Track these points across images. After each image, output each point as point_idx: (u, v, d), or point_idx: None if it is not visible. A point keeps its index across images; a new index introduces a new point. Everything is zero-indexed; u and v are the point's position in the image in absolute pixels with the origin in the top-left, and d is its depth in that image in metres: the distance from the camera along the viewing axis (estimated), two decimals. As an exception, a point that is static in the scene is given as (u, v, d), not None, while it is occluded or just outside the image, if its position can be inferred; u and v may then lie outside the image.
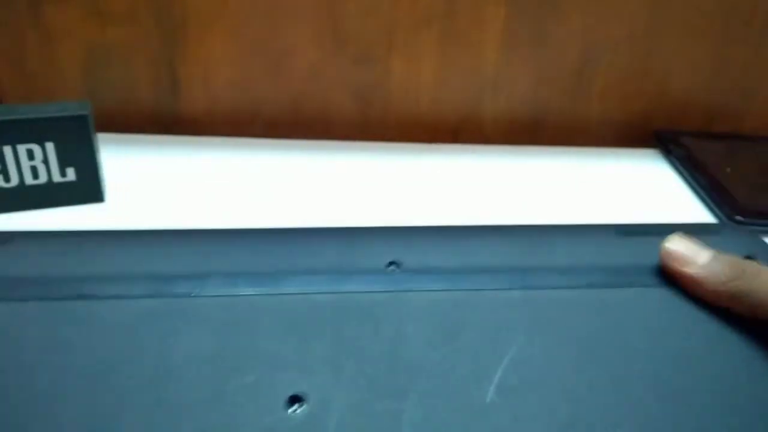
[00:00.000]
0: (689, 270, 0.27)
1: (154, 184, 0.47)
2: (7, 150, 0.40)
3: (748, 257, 0.29)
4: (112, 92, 0.54)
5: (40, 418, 0.19)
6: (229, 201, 0.45)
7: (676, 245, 0.28)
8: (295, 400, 0.20)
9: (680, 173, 0.54)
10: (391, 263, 0.27)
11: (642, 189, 0.52)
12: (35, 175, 0.41)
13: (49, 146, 0.41)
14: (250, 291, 0.24)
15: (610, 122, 0.60)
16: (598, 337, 0.24)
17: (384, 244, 0.28)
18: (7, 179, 0.41)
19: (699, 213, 0.49)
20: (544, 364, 0.23)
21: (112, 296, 0.23)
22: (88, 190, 0.43)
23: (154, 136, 0.54)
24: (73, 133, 0.41)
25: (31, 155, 0.41)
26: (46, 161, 0.41)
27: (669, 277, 0.28)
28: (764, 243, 0.33)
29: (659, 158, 0.58)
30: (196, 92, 0.55)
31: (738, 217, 0.45)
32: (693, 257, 0.28)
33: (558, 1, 0.54)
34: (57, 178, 0.42)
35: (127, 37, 0.52)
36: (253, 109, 0.56)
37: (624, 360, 0.23)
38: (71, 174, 0.42)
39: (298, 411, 0.20)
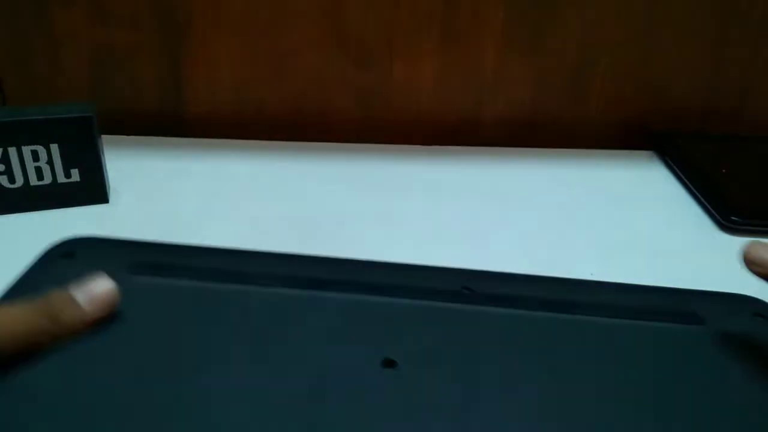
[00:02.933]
0: (763, 270, 0.29)
1: (157, 185, 0.47)
2: (12, 151, 0.40)
3: None
4: (117, 94, 0.55)
5: (210, 358, 0.27)
6: (231, 201, 0.46)
7: (751, 250, 0.30)
8: (388, 363, 0.27)
9: (677, 174, 0.55)
10: (464, 288, 0.33)
11: (639, 190, 0.53)
12: (40, 176, 0.42)
13: (54, 147, 0.41)
14: (358, 296, 0.31)
15: (608, 124, 0.60)
16: (630, 358, 0.29)
17: (458, 274, 0.34)
18: (12, 180, 0.41)
19: (695, 214, 0.49)
20: (578, 372, 0.28)
21: (260, 285, 0.31)
22: (93, 191, 0.43)
23: (158, 138, 0.55)
24: (77, 134, 0.41)
25: (35, 156, 0.41)
26: (50, 162, 0.42)
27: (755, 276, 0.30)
28: None
29: (656, 160, 0.58)
30: (199, 94, 0.56)
31: (734, 218, 0.46)
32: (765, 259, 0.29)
33: (556, 4, 0.55)
34: (61, 179, 0.42)
35: (132, 39, 0.53)
36: (255, 111, 0.57)
37: (648, 379, 0.28)
38: (76, 175, 0.42)
39: (390, 370, 0.27)
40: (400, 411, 0.25)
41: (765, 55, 0.59)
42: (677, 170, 0.55)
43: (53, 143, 0.41)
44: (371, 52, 0.55)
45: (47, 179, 0.42)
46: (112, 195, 0.45)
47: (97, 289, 0.28)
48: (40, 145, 0.41)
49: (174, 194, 0.46)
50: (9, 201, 0.41)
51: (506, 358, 0.28)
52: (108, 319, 0.28)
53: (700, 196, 0.50)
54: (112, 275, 0.30)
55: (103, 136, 0.43)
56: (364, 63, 0.56)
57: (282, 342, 0.28)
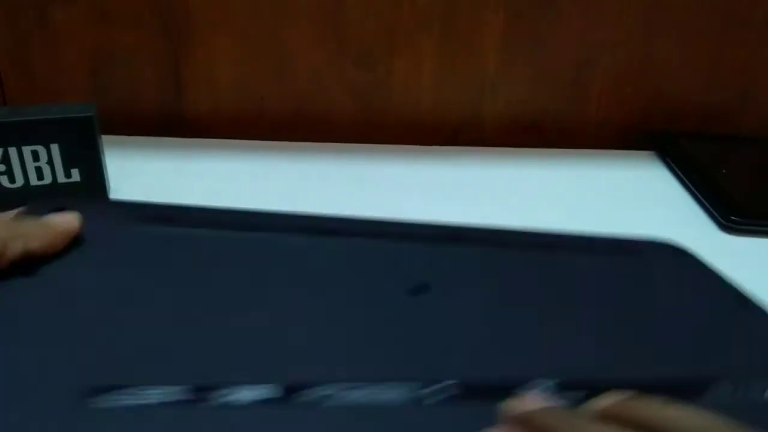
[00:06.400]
0: None
1: (158, 185, 0.47)
2: (12, 151, 0.40)
3: None
4: (117, 94, 0.55)
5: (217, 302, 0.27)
6: (232, 202, 0.46)
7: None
8: (418, 290, 0.29)
9: (677, 174, 0.55)
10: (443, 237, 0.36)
11: (639, 191, 0.53)
12: (40, 176, 0.42)
13: (54, 147, 0.41)
14: (341, 241, 0.33)
15: (608, 124, 0.60)
16: (584, 279, 0.34)
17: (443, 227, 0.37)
18: (12, 180, 0.41)
19: (695, 213, 0.49)
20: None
21: (273, 231, 0.33)
22: (93, 191, 0.43)
23: (158, 138, 0.55)
24: (77, 134, 0.41)
25: (36, 156, 0.41)
26: (50, 162, 0.42)
27: None
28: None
29: (656, 160, 0.58)
30: (199, 94, 0.56)
31: (734, 218, 0.46)
32: None
33: (556, 3, 0.55)
34: (62, 179, 0.42)
35: (132, 39, 0.53)
36: (256, 111, 0.57)
37: (600, 294, 0.33)
38: (76, 175, 0.42)
39: (416, 296, 0.29)
40: (434, 329, 0.27)
41: (765, 55, 0.58)
42: (677, 170, 0.55)
43: (53, 143, 0.41)
44: (371, 51, 0.55)
45: (47, 179, 0.42)
46: (113, 195, 0.45)
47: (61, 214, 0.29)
48: (41, 145, 0.41)
49: (174, 194, 0.46)
50: (9, 201, 0.41)
51: (495, 282, 0.32)
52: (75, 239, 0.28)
53: (700, 196, 0.50)
54: (110, 225, 0.31)
55: (104, 136, 0.43)
56: (365, 62, 0.56)
57: (303, 282, 0.29)
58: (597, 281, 0.34)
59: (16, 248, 0.26)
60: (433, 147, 0.58)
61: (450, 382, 0.24)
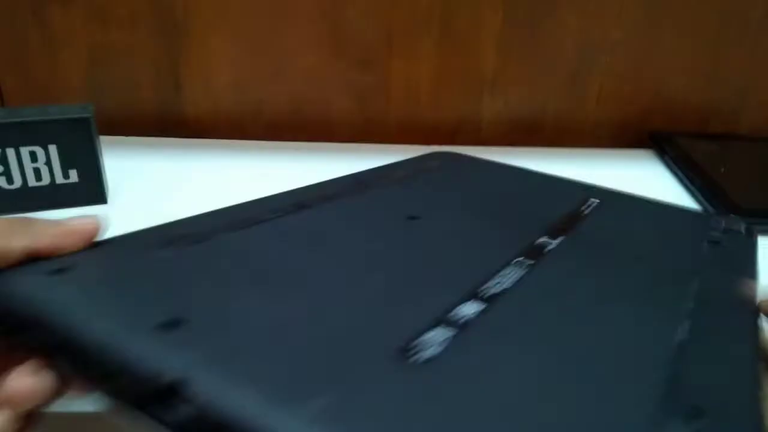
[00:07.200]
0: None
1: (156, 186, 0.47)
2: (10, 152, 0.40)
3: None
4: (115, 95, 0.55)
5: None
6: (230, 202, 0.46)
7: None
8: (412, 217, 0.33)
9: (675, 173, 0.55)
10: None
11: (638, 189, 0.52)
12: (38, 177, 0.42)
13: (52, 148, 0.41)
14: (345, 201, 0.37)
15: (607, 123, 0.60)
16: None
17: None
18: (10, 181, 0.41)
19: (694, 213, 0.49)
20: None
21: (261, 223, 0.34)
22: (91, 191, 0.43)
23: (156, 138, 0.55)
24: (75, 135, 0.41)
25: (34, 157, 0.41)
26: (48, 163, 0.42)
27: None
28: None
29: (654, 159, 0.58)
30: (197, 94, 0.56)
31: (732, 217, 0.46)
32: None
33: (554, 3, 0.55)
34: (60, 180, 0.42)
35: (130, 40, 0.53)
36: (254, 111, 0.57)
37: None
38: (74, 176, 0.42)
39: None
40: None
41: (764, 54, 0.59)
42: (676, 169, 0.55)
43: (51, 144, 0.41)
44: (370, 52, 0.55)
45: (45, 180, 0.42)
46: (111, 196, 0.45)
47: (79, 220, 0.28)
48: (39, 146, 0.41)
49: (173, 195, 0.46)
50: (7, 202, 0.41)
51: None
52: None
53: (699, 195, 0.50)
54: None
55: (102, 137, 0.43)
56: (363, 63, 0.56)
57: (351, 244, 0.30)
58: (438, 189, 0.40)
59: (19, 244, 0.25)
60: (432, 147, 0.58)
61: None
